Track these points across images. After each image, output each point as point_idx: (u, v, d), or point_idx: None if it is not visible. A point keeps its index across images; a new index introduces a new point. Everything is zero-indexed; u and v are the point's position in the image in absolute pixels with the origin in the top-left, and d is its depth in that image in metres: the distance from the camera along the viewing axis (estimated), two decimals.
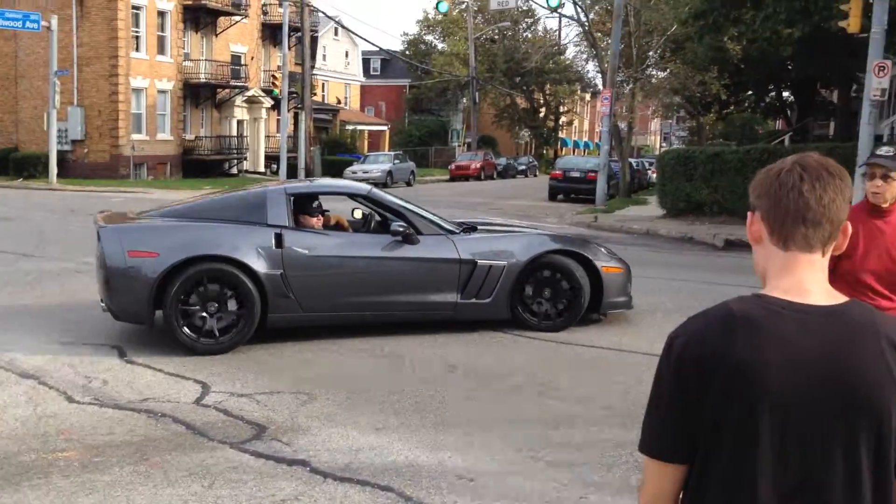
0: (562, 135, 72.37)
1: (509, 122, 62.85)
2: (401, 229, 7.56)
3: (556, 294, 7.87)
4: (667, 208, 19.37)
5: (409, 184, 39.29)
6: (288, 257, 7.20)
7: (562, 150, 70.16)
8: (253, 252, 7.07)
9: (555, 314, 7.87)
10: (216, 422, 5.35)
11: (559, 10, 33.64)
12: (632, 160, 34.49)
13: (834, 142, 23.72)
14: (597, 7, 32.41)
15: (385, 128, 59.39)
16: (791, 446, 1.59)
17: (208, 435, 5.10)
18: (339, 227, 8.10)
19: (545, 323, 7.85)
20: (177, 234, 7.21)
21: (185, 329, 6.90)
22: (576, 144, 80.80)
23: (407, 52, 61.29)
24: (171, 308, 6.86)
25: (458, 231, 7.97)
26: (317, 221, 7.71)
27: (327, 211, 8.05)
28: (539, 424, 5.42)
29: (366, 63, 64.99)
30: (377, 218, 8.29)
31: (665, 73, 34.55)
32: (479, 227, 8.52)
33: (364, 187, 8.49)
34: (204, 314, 6.94)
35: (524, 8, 53.33)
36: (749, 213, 1.74)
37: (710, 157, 18.28)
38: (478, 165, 44.76)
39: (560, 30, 77.38)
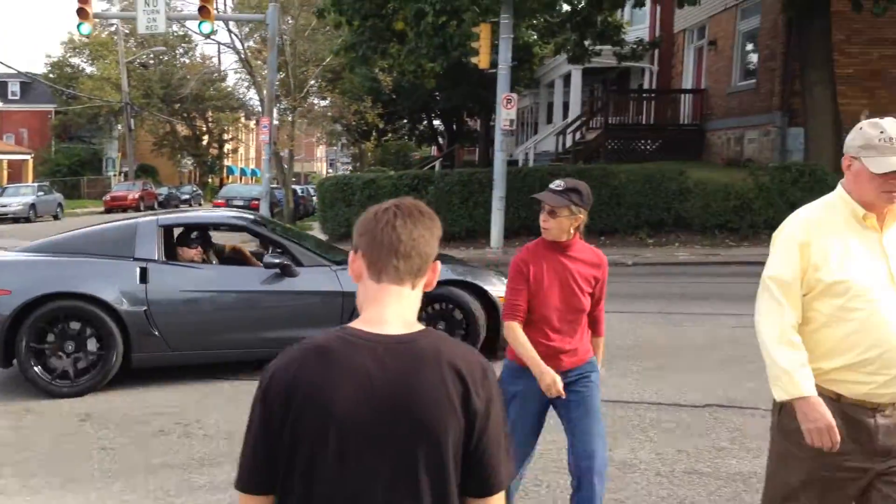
0: (227, 162, 71.04)
1: (170, 150, 60.41)
2: (275, 261, 7.15)
3: (450, 326, 7.46)
4: (329, 233, 19.75)
5: (56, 217, 36.18)
6: (153, 293, 6.87)
7: (228, 177, 68.87)
8: (114, 288, 6.78)
9: None
10: None
11: (213, 37, 33.04)
12: (297, 187, 34.78)
13: (477, 167, 25.77)
14: (255, 35, 32.35)
15: (28, 157, 54.26)
16: (354, 471, 1.64)
17: None
18: (236, 258, 7.78)
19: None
20: (35, 270, 6.93)
21: (37, 370, 6.67)
22: (242, 172, 79.75)
23: (51, 76, 56.60)
24: (21, 347, 6.64)
25: (342, 263, 7.51)
26: (196, 254, 7.36)
27: (213, 244, 7.80)
28: (180, 469, 5.19)
29: (2, 86, 59.06)
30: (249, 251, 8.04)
31: (326, 102, 35.35)
32: None
33: (246, 217, 8.04)
34: (60, 354, 6.75)
35: (179, 33, 51.70)
36: (351, 252, 1.84)
37: (366, 183, 18.96)
38: (136, 196, 42.41)
39: (219, 56, 75.97)
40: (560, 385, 3.56)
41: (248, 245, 10.54)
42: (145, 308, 6.82)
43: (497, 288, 7.49)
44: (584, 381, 3.73)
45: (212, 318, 7.02)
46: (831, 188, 2.86)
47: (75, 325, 6.75)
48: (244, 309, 7.10)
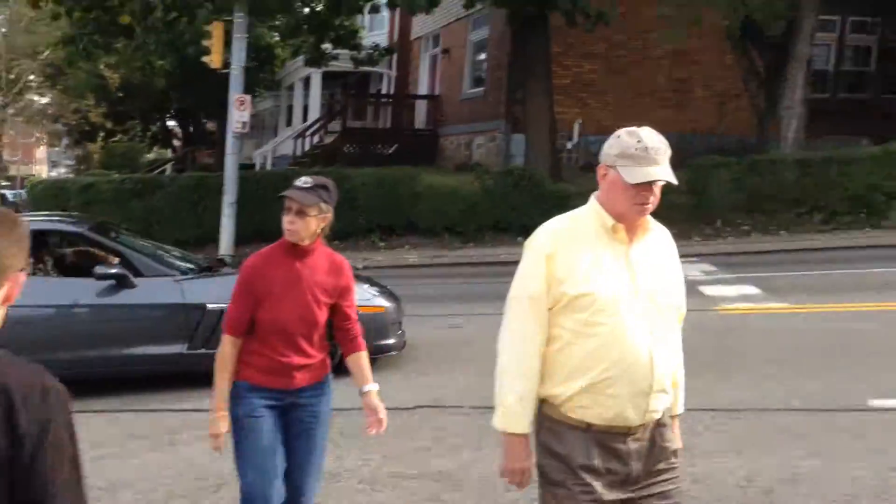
0: None
1: None
2: (110, 272, 6.64)
3: None
4: None
5: None
6: None
7: None
8: None
9: None
10: None
11: None
12: (9, 192, 31.79)
13: (214, 171, 24.89)
14: None
15: None
16: None
17: None
18: (83, 263, 6.99)
19: None
20: None
21: None
22: None
23: None
24: None
25: (190, 272, 7.08)
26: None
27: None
28: None
29: None
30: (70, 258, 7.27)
31: (46, 100, 32.68)
32: (227, 264, 7.74)
33: (82, 225, 7.44)
34: None
35: None
36: None
37: (83, 188, 17.67)
38: None
39: None
40: (221, 444, 3.41)
41: None
42: None
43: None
44: (312, 410, 3.49)
45: (44, 335, 6.43)
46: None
47: None
48: (72, 325, 6.69)
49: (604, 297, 2.47)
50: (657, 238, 2.66)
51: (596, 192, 2.61)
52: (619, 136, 2.51)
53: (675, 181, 2.46)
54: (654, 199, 2.50)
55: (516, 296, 2.59)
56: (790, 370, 6.83)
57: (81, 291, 6.76)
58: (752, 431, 5.47)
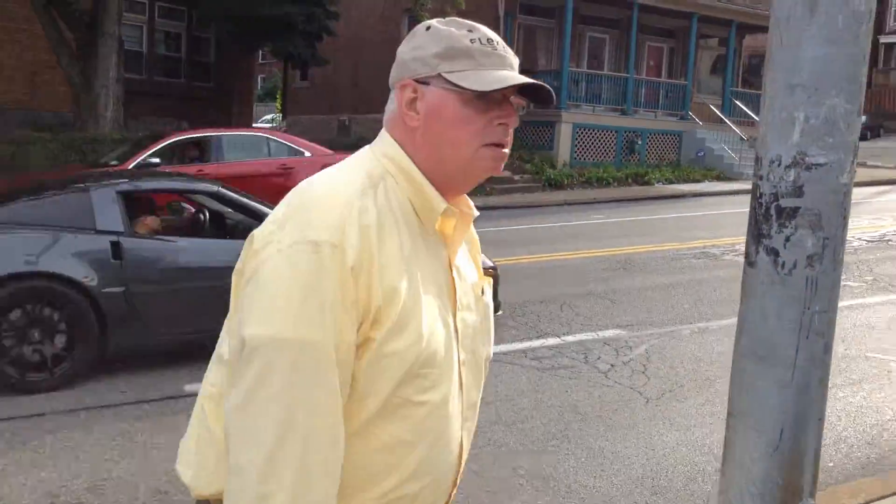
0: None
1: None
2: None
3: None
4: None
5: None
6: (130, 271, 5.73)
7: None
8: (84, 266, 5.56)
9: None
10: None
11: None
12: None
13: None
14: None
15: None
16: None
17: None
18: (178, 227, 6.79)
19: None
20: None
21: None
22: None
23: None
24: None
25: None
26: (158, 225, 6.44)
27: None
28: None
29: None
30: (205, 217, 6.92)
31: None
32: None
33: (213, 184, 6.77)
34: (28, 343, 5.41)
35: None
36: None
37: None
38: None
39: None
40: None
41: None
42: (124, 289, 5.68)
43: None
44: None
45: (197, 298, 5.82)
46: None
47: (42, 310, 5.45)
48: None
49: (433, 340, 1.34)
50: (469, 233, 1.58)
51: (384, 141, 1.41)
52: (432, 29, 1.37)
53: (554, 95, 1.39)
54: (510, 137, 1.39)
55: (284, 346, 1.22)
56: None
57: (233, 252, 4.57)
58: None
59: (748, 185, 19.74)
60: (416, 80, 1.36)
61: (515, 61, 1.39)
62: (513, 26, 22.24)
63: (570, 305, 7.89)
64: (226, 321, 1.43)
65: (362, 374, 1.28)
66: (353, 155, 1.44)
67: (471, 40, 1.35)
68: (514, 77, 1.34)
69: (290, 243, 1.23)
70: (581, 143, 21.52)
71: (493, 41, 1.37)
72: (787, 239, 1.86)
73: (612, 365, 6.13)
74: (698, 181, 21.11)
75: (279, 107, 34.95)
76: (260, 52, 30.44)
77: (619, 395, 5.49)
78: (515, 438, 4.74)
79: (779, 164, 1.87)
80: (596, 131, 21.75)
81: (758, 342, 1.95)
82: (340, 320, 1.23)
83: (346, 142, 20.06)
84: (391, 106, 1.41)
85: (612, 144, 22.02)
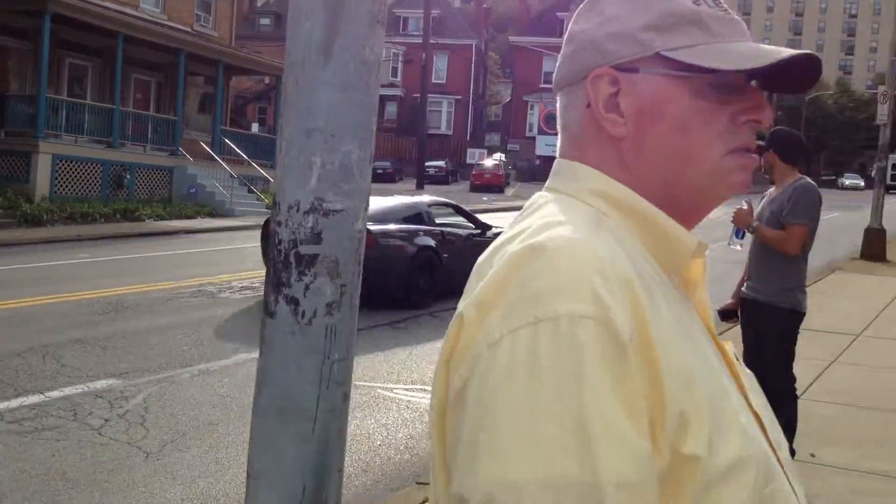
0: None
1: None
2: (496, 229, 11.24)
3: None
4: None
5: None
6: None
7: None
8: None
9: None
10: None
11: None
12: None
13: None
14: None
15: None
16: None
17: None
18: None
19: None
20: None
21: None
22: None
23: None
24: None
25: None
26: None
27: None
28: None
29: None
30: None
31: None
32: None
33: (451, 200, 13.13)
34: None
35: None
36: None
37: None
38: None
39: None
40: None
41: None
42: (446, 255, 10.77)
43: None
44: None
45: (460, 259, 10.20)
46: None
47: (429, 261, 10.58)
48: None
49: (760, 450, 0.87)
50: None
51: (576, 172, 0.97)
52: None
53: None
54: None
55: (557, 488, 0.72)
56: None
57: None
58: None
59: (241, 222, 20.18)
60: (617, 68, 0.92)
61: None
62: None
63: (53, 356, 7.11)
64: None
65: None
66: (518, 217, 0.94)
67: (695, 2, 0.93)
68: (779, 51, 0.90)
69: (524, 324, 0.77)
70: (63, 175, 19.93)
71: (720, 1, 0.95)
72: (307, 287, 1.81)
73: (105, 420, 5.62)
74: (191, 217, 20.95)
75: None
76: None
77: (115, 453, 5.03)
78: None
79: (297, 210, 1.81)
80: (80, 163, 20.34)
81: (279, 396, 1.86)
82: (632, 439, 0.74)
83: None
84: (570, 116, 0.97)
85: (99, 178, 20.80)
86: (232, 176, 23.05)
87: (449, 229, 11.17)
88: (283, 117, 1.89)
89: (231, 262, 13.40)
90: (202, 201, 22.40)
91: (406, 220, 10.63)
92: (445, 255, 10.51)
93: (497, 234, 10.41)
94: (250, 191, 23.83)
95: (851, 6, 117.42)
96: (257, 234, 19.30)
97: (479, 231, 11.45)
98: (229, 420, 5.77)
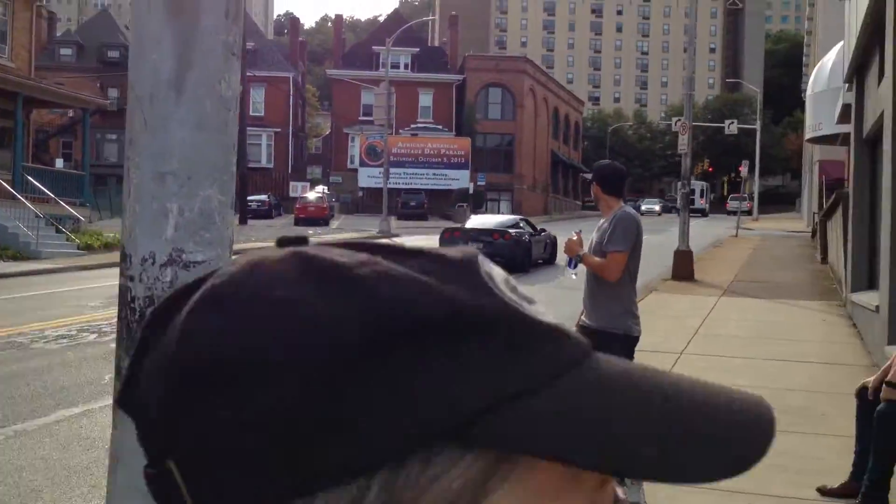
0: None
1: None
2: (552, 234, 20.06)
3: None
4: None
5: None
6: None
7: None
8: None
9: None
10: None
11: None
12: None
13: None
14: None
15: None
16: None
17: None
18: None
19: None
20: None
21: None
22: None
23: None
24: None
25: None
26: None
27: None
28: None
29: None
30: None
31: None
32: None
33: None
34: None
35: None
36: None
37: None
38: None
39: None
40: None
41: None
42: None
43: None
44: None
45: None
46: None
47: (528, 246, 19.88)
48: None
49: None
50: None
51: None
52: None
53: None
54: None
55: None
56: None
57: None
58: None
59: (50, 265, 18.78)
60: None
61: None
62: None
63: None
64: None
65: None
66: None
67: None
68: None
69: None
70: None
71: None
72: None
73: None
74: None
75: None
76: None
77: None
78: None
79: (153, 263, 1.63)
80: None
81: (139, 476, 1.64)
82: None
83: None
84: None
85: None
86: (38, 215, 21.48)
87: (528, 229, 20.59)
88: (130, 160, 1.70)
89: (40, 308, 12.42)
90: (4, 243, 20.70)
91: (511, 226, 20.00)
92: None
93: (544, 234, 21.39)
94: (59, 231, 22.32)
95: (643, 44, 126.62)
96: (68, 276, 18.19)
97: (536, 232, 20.57)
98: (52, 487, 5.26)
